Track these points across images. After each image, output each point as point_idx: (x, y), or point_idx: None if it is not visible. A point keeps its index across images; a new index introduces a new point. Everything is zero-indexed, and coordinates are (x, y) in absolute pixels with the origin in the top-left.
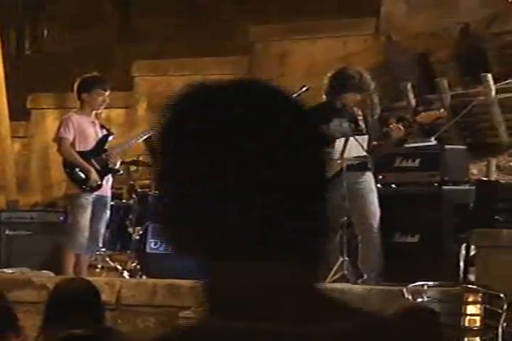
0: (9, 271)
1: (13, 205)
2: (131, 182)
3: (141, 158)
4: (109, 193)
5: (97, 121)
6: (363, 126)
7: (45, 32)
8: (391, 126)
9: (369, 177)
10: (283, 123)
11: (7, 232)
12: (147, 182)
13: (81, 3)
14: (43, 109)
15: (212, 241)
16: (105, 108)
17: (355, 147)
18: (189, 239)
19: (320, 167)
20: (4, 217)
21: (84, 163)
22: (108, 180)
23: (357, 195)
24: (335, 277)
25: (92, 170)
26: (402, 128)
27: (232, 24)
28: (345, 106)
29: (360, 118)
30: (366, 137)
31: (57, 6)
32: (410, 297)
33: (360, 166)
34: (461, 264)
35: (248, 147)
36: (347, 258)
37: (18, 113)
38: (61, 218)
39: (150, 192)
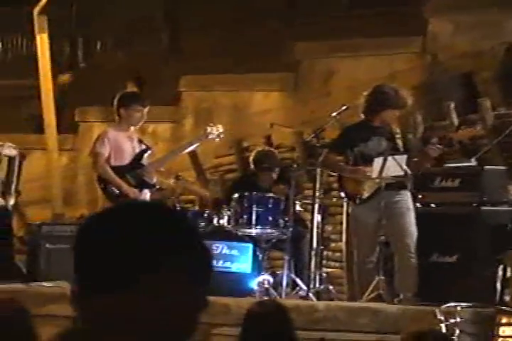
0: (48, 284)
1: (59, 218)
2: (171, 198)
3: (180, 174)
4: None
5: (134, 136)
6: (401, 144)
7: (98, 46)
8: (429, 145)
9: (406, 196)
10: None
11: (47, 245)
12: (191, 197)
13: (134, 19)
14: (91, 122)
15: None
16: (152, 122)
17: (394, 166)
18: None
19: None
20: (45, 230)
21: (117, 179)
22: (145, 195)
23: (394, 214)
24: (370, 296)
25: (125, 186)
26: (439, 147)
27: (278, 41)
28: (383, 124)
29: (398, 136)
30: (405, 156)
31: (111, 21)
32: (443, 318)
33: (397, 185)
34: (498, 285)
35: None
36: (383, 278)
37: (67, 126)
38: None
39: (191, 208)
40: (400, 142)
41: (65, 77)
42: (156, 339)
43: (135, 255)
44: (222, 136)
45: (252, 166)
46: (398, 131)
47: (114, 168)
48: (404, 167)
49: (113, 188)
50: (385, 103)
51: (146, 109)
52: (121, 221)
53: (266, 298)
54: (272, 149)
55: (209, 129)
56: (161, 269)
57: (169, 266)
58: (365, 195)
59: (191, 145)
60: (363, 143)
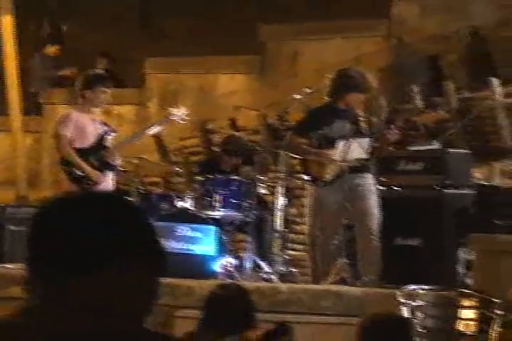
0: (11, 266)
1: (23, 200)
2: (135, 180)
3: (144, 156)
4: (109, 190)
5: (97, 118)
6: (366, 127)
7: (65, 27)
8: (387, 130)
9: (370, 179)
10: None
11: (11, 228)
12: (154, 179)
13: (103, 1)
14: (55, 104)
15: None
16: (117, 104)
17: (357, 149)
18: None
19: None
20: (9, 212)
21: (80, 162)
22: (107, 177)
23: (357, 196)
24: (334, 279)
25: (88, 168)
26: (397, 132)
27: (245, 23)
28: (348, 107)
29: (362, 119)
30: (368, 139)
31: (80, 3)
32: (404, 300)
33: (361, 168)
34: (460, 268)
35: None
36: (346, 260)
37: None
38: None
39: (154, 191)
40: (364, 125)
41: (52, 49)
42: (108, 324)
43: (96, 244)
44: (185, 118)
45: (218, 149)
46: (362, 114)
47: (78, 150)
48: (367, 149)
49: (76, 170)
50: (350, 86)
51: (109, 90)
52: (82, 210)
53: (228, 281)
54: (241, 135)
55: (172, 111)
56: (120, 259)
57: (127, 257)
58: (328, 177)
59: (154, 127)
60: (327, 126)
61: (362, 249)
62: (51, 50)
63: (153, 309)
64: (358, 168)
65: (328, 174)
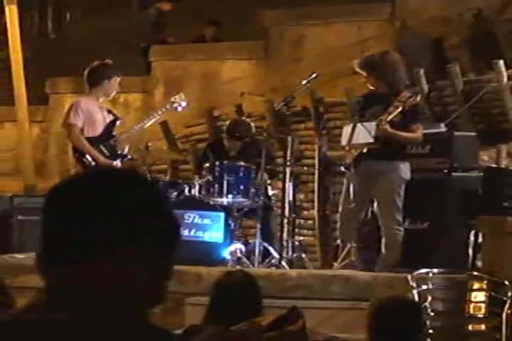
0: (20, 256)
1: (31, 190)
2: (143, 168)
3: (150, 144)
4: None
5: (104, 106)
6: (395, 113)
7: (68, 16)
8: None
9: (389, 164)
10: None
11: (19, 217)
12: (163, 166)
13: None
14: (62, 93)
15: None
16: (123, 92)
17: (363, 133)
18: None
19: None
20: (17, 202)
21: (93, 151)
22: (118, 165)
23: (375, 182)
24: (343, 263)
25: (101, 157)
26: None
27: (247, 9)
28: (393, 92)
29: (399, 104)
30: (374, 124)
31: None
32: (415, 284)
33: (377, 153)
34: (470, 251)
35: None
36: (354, 245)
37: (38, 97)
38: None
39: (161, 178)
40: (394, 112)
41: (167, 6)
42: (124, 308)
43: (112, 226)
44: (184, 104)
45: (224, 134)
46: (404, 99)
47: (88, 140)
48: (373, 134)
49: (89, 159)
50: (368, 71)
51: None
52: (97, 189)
53: (236, 268)
54: (246, 119)
55: (173, 99)
56: (138, 242)
57: (145, 240)
58: (346, 162)
59: (157, 115)
60: (366, 111)
61: (384, 234)
62: (166, 6)
63: (165, 296)
64: (375, 152)
65: (346, 158)
